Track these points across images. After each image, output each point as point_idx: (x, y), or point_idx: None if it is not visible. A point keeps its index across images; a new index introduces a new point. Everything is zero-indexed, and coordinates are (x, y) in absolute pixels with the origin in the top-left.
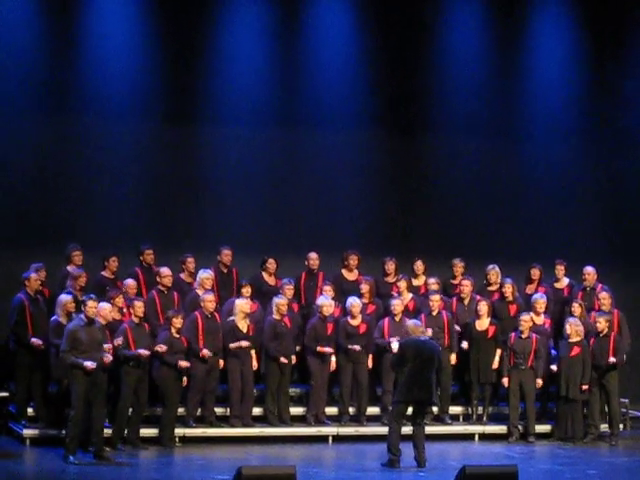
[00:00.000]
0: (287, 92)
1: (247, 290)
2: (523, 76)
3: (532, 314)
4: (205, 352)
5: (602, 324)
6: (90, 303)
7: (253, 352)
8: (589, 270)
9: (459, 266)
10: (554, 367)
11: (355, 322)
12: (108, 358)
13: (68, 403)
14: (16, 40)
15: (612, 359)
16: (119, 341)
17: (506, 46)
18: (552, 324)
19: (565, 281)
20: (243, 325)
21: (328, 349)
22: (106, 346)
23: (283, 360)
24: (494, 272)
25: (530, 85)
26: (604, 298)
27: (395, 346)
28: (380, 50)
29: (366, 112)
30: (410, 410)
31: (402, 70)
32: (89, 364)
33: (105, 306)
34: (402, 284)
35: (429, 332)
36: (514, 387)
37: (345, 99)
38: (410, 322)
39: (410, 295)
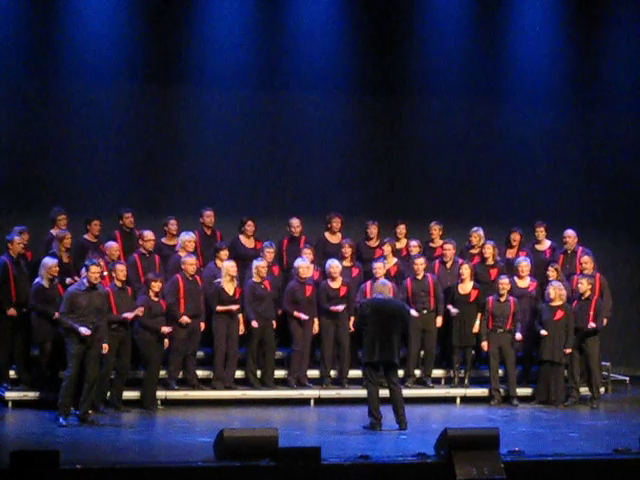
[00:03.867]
0: (269, 55)
1: (225, 253)
2: (504, 38)
3: (515, 277)
4: (184, 318)
5: (584, 286)
6: (93, 268)
7: (240, 316)
8: (569, 233)
9: (436, 229)
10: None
11: (335, 285)
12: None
13: (50, 366)
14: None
15: (592, 324)
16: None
17: (487, 7)
18: (536, 287)
19: (547, 243)
20: (230, 288)
21: (303, 315)
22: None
23: (254, 324)
24: (477, 235)
25: (511, 47)
26: (586, 262)
27: None
28: (363, 13)
29: (348, 76)
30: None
31: (385, 33)
32: (84, 330)
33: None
34: (387, 248)
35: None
36: (494, 350)
37: (327, 63)
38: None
39: (394, 260)
